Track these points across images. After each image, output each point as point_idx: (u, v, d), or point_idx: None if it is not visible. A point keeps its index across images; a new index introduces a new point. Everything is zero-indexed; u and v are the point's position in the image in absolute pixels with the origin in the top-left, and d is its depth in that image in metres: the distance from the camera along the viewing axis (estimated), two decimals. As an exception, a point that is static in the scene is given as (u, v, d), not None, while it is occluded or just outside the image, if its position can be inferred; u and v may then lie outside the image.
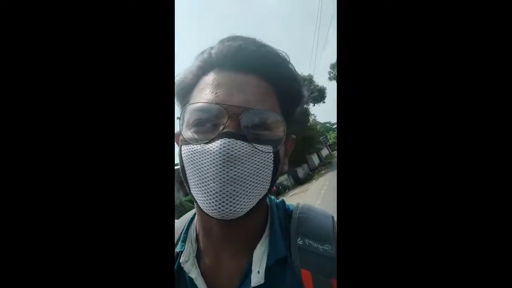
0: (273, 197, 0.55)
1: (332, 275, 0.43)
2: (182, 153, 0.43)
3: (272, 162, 0.43)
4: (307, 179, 20.52)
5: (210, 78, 0.44)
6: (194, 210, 0.55)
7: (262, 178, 0.42)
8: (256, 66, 0.44)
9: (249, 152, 0.39)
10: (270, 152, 0.42)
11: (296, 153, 24.18)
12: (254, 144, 0.40)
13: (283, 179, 20.91)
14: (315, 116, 29.39)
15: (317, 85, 27.66)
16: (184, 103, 0.47)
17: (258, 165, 0.40)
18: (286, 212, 0.53)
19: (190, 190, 0.44)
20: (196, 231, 0.52)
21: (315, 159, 27.54)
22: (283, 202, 0.56)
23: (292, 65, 0.48)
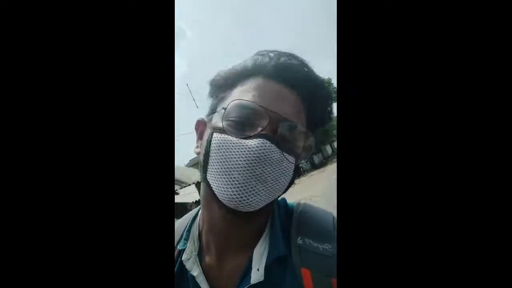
0: None
1: (332, 274, 0.42)
2: (213, 139, 0.43)
3: (292, 172, 0.44)
4: (322, 165, 24.42)
5: (257, 81, 0.45)
6: (196, 209, 0.55)
7: (281, 183, 0.43)
8: (300, 85, 0.46)
9: (278, 158, 0.40)
10: (293, 164, 0.43)
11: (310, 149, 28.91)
12: (284, 153, 0.41)
13: (302, 164, 25.64)
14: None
15: (336, 88, 31.50)
16: (220, 96, 0.48)
17: (281, 171, 0.42)
18: (287, 211, 0.53)
19: (206, 176, 0.43)
20: (198, 228, 0.52)
21: (328, 149, 30.60)
22: (284, 200, 0.55)
23: (328, 89, 0.50)
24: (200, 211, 0.53)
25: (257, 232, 0.48)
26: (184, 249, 0.49)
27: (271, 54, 0.48)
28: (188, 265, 0.47)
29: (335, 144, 33.01)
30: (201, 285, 0.45)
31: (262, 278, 0.42)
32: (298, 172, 0.46)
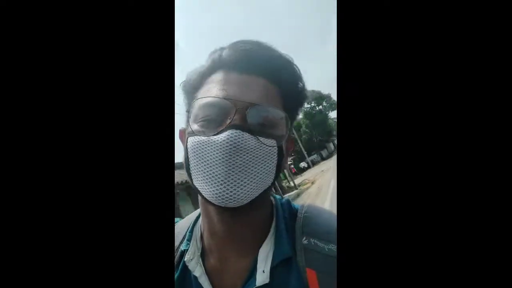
0: (278, 196, 0.49)
1: None
2: (188, 144, 0.38)
3: (276, 155, 0.39)
4: (328, 157, 30.82)
5: (218, 76, 0.41)
6: (199, 210, 0.49)
7: (266, 169, 0.38)
8: (263, 69, 0.40)
9: (254, 144, 0.36)
10: (274, 146, 0.38)
11: (321, 142, 35.63)
12: (259, 138, 0.37)
13: (314, 157, 33.30)
14: (331, 117, 44.03)
15: (335, 101, 40.36)
16: (192, 99, 0.42)
17: (262, 157, 0.37)
18: (292, 212, 0.47)
19: (192, 182, 0.39)
20: (201, 230, 0.47)
21: (331, 146, 34.85)
22: (288, 201, 0.49)
23: (296, 66, 0.43)
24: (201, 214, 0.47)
25: (260, 233, 0.43)
26: (187, 249, 0.45)
27: (227, 47, 0.42)
28: (191, 266, 0.43)
29: (335, 142, 43.14)
30: (204, 286, 0.41)
31: (267, 280, 0.39)
32: (281, 154, 0.40)
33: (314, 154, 30.85)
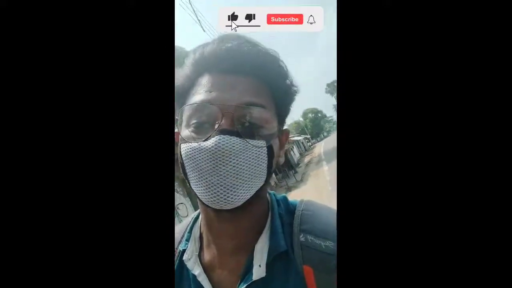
0: (272, 192, 0.49)
1: (334, 272, 0.37)
2: (181, 151, 0.38)
3: (266, 156, 0.38)
4: (321, 140, 57.46)
5: (204, 80, 0.40)
6: (197, 212, 0.50)
7: (257, 171, 0.38)
8: (248, 68, 0.39)
9: (243, 147, 0.36)
10: (264, 147, 0.38)
11: (317, 134, 73.14)
12: (248, 140, 0.36)
13: (314, 141, 62.34)
14: (322, 121, 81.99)
15: (325, 113, 79.05)
16: (180, 104, 0.42)
17: (252, 159, 0.37)
18: (289, 208, 0.46)
19: (190, 185, 0.39)
20: (200, 229, 0.47)
21: (322, 135, 65.89)
22: (285, 198, 0.49)
23: (282, 62, 0.42)
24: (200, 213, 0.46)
25: (256, 229, 0.43)
26: (185, 249, 0.45)
27: (209, 44, 0.41)
28: (189, 265, 0.43)
29: (324, 133, 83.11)
30: (203, 284, 0.41)
31: (264, 274, 0.39)
32: (271, 153, 0.39)
33: (313, 139, 71.07)
